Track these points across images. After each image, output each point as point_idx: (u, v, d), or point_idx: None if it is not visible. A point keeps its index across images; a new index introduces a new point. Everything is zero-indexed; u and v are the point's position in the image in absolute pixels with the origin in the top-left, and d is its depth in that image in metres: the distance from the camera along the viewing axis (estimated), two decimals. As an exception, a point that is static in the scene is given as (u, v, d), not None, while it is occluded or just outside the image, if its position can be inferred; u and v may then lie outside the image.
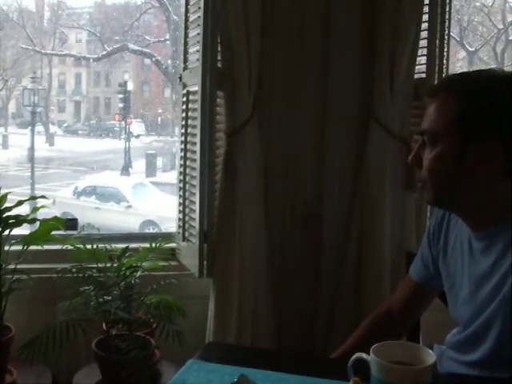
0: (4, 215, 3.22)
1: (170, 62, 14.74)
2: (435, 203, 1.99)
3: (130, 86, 16.17)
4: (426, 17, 3.31)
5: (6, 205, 3.26)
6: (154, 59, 15.46)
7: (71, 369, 3.38)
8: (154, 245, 3.34)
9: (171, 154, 15.60)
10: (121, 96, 15.91)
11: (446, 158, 1.78)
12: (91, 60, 18.19)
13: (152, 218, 10.98)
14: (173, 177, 14.42)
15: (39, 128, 16.82)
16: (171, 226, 10.33)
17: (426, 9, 3.31)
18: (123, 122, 15.88)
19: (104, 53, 15.93)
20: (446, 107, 1.77)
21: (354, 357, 1.65)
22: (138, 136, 17.83)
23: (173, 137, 16.29)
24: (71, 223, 3.59)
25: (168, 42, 15.23)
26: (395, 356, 1.59)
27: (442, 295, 2.18)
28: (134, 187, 11.97)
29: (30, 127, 15.08)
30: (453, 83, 1.88)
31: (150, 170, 14.97)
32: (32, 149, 14.33)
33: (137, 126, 17.85)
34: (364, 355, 1.61)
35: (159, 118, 18.82)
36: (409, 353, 1.63)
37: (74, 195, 11.79)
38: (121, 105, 15.91)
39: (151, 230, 10.76)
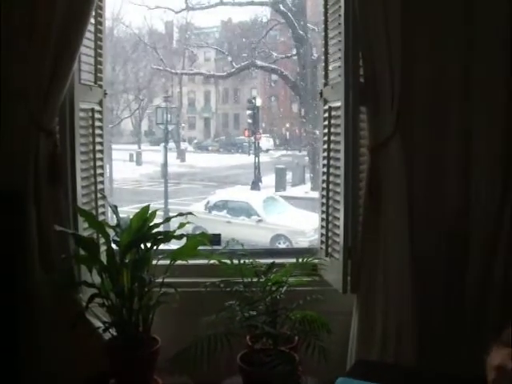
0: (153, 231, 3.33)
1: (297, 77, 14.80)
2: None
3: (259, 102, 16.35)
4: None
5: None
6: (281, 74, 15.56)
7: (212, 381, 3.42)
8: (300, 260, 3.35)
9: (300, 168, 15.67)
10: (249, 112, 16.15)
11: None
12: (220, 78, 18.60)
13: (282, 232, 11.04)
14: (302, 191, 14.57)
15: (170, 145, 17.28)
16: (302, 240, 10.43)
17: None
18: (252, 138, 16.07)
19: (232, 70, 16.20)
20: None
21: None
22: (267, 151, 18.04)
23: (301, 151, 16.39)
24: (215, 238, 3.67)
25: (295, 58, 15.29)
26: None
27: None
28: (265, 201, 12.07)
29: (162, 144, 15.53)
30: None
31: (280, 184, 15.06)
32: (165, 165, 14.73)
33: (265, 141, 18.05)
34: None
35: (287, 133, 18.96)
36: None
37: (205, 209, 12.00)
38: (249, 120, 16.14)
39: (282, 243, 10.82)
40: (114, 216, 3.52)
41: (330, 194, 3.50)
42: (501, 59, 3.26)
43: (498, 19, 3.26)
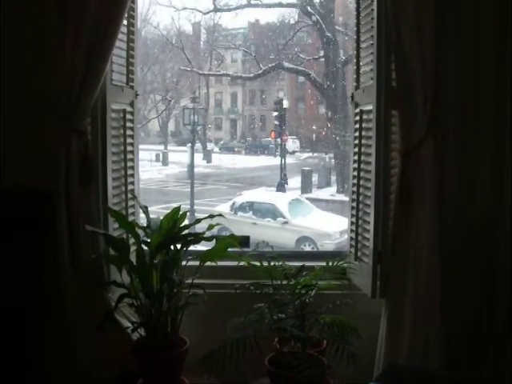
0: (183, 233, 3.34)
1: (324, 79, 14.78)
2: None
3: (285, 104, 16.36)
4: None
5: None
6: (308, 76, 15.55)
7: (239, 382, 3.44)
8: (330, 264, 3.34)
9: (326, 171, 15.65)
10: (276, 114, 16.17)
11: None
12: (247, 79, 18.63)
13: (308, 235, 11.03)
14: (328, 193, 14.55)
15: (197, 145, 17.35)
16: (327, 242, 10.41)
17: None
18: (278, 139, 16.08)
19: (259, 72, 16.21)
20: None
21: None
22: (293, 152, 18.04)
23: (327, 153, 16.36)
24: (244, 240, 3.67)
25: (322, 60, 15.26)
26: None
27: None
28: (291, 203, 12.06)
29: (189, 145, 15.59)
30: None
31: (306, 186, 15.07)
32: (192, 165, 14.79)
33: (292, 143, 18.05)
34: None
35: (314, 135, 18.93)
36: None
37: (231, 210, 12.02)
38: (276, 122, 16.15)
39: (307, 246, 10.82)
40: (144, 216, 3.54)
41: (361, 197, 3.49)
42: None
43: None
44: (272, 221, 11.62)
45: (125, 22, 3.45)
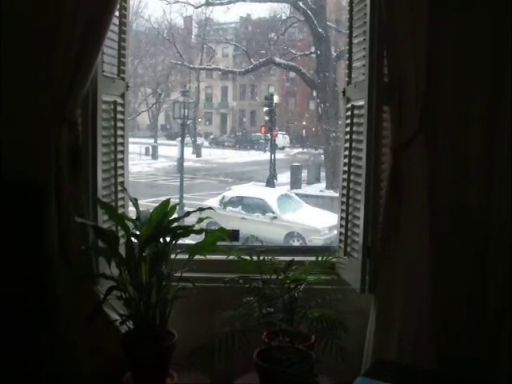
0: (172, 225, 3.33)
1: (315, 74, 14.80)
2: None
3: (276, 99, 16.38)
4: None
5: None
6: (299, 72, 15.56)
7: (227, 376, 3.43)
8: (320, 258, 3.34)
9: (316, 166, 15.68)
10: (266, 109, 16.19)
11: None
12: (237, 74, 18.63)
13: (297, 230, 11.05)
14: (317, 189, 14.58)
15: (187, 139, 17.35)
16: (316, 238, 10.44)
17: None
18: (268, 135, 16.11)
19: (250, 66, 16.23)
20: None
21: None
22: (282, 148, 18.07)
23: (317, 149, 16.40)
24: (234, 234, 3.67)
25: (313, 55, 15.29)
26: None
27: None
28: (280, 198, 12.08)
29: (178, 139, 15.59)
30: None
31: (295, 181, 15.10)
32: (181, 159, 14.79)
33: (282, 138, 18.08)
34: None
35: (304, 131, 18.97)
36: None
37: (220, 205, 12.03)
38: (266, 117, 16.18)
39: (296, 241, 10.84)
40: (134, 209, 3.53)
41: (351, 193, 3.49)
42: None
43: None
44: (261, 216, 11.64)
45: (117, 14, 3.43)
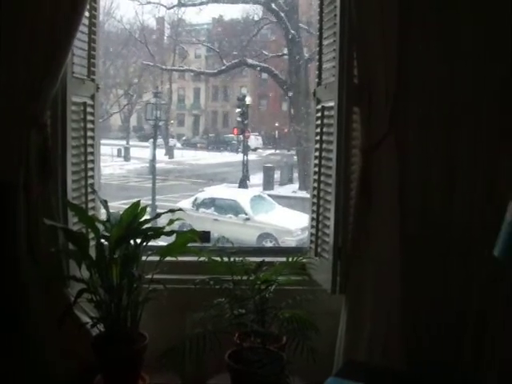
0: (143, 227, 3.32)
1: (288, 76, 14.83)
2: None
3: (248, 100, 16.38)
4: None
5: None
6: (271, 73, 15.58)
7: (200, 378, 3.42)
8: (290, 259, 3.35)
9: (288, 168, 15.71)
10: (239, 110, 16.18)
11: None
12: (210, 75, 18.61)
13: (269, 231, 11.06)
14: (290, 190, 14.61)
15: (159, 141, 17.29)
16: (288, 239, 10.46)
17: None
18: (241, 136, 16.11)
19: (222, 68, 16.21)
20: None
21: None
22: (255, 149, 18.07)
23: (290, 150, 16.43)
24: (205, 236, 3.67)
25: (286, 57, 15.32)
26: None
27: None
28: (252, 200, 12.08)
29: (151, 140, 15.54)
30: None
31: (268, 183, 15.12)
32: (153, 161, 14.74)
33: (254, 140, 18.08)
34: None
35: (276, 132, 19.00)
36: None
37: (193, 207, 12.01)
38: (239, 119, 16.15)
39: (269, 242, 10.85)
40: (104, 211, 3.51)
41: (321, 193, 3.50)
42: (494, 60, 3.30)
43: (491, 20, 3.29)
44: (234, 217, 11.64)
45: (87, 14, 3.41)
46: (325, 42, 3.53)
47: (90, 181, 3.62)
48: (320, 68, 3.61)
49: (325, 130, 3.47)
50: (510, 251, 1.93)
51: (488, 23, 3.29)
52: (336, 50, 3.28)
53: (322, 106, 3.51)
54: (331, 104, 3.35)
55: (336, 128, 3.26)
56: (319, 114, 3.54)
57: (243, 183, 14.83)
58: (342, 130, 3.24)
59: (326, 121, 3.46)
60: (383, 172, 3.22)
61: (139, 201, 3.43)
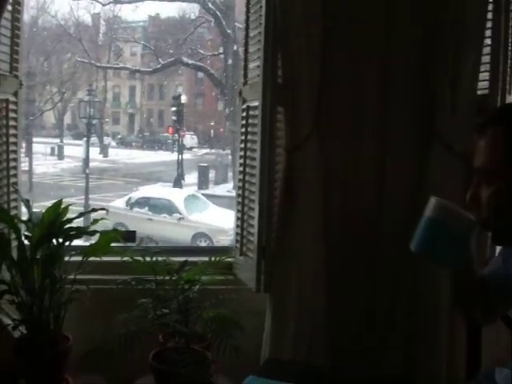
0: (65, 227, 3.27)
1: (223, 75, 14.84)
2: (498, 242, 1.94)
3: (184, 99, 16.34)
4: (488, 32, 3.24)
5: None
6: (207, 72, 15.57)
7: (125, 380, 3.38)
8: (213, 259, 3.35)
9: (223, 167, 15.73)
10: (174, 109, 16.12)
11: (504, 194, 1.71)
12: (145, 73, 18.48)
13: (204, 231, 11.06)
14: (225, 189, 14.62)
15: (93, 139, 17.09)
16: (223, 238, 10.46)
17: (489, 24, 3.24)
18: (176, 135, 16.06)
19: (158, 66, 16.15)
20: (498, 142, 1.71)
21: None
22: (190, 148, 18.03)
23: (225, 149, 16.45)
24: (130, 235, 3.63)
25: (222, 56, 15.33)
26: None
27: (506, 318, 2.14)
28: (187, 199, 12.06)
29: (84, 139, 15.35)
30: (503, 115, 1.82)
31: (203, 182, 15.12)
32: (87, 160, 14.57)
33: (190, 139, 18.05)
34: None
35: (212, 131, 18.99)
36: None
37: (127, 206, 11.93)
38: (174, 117, 16.11)
39: (203, 242, 10.84)
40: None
41: (246, 193, 3.51)
42: (418, 60, 3.34)
43: (415, 20, 3.33)
44: (168, 217, 11.61)
45: (9, 8, 3.34)
46: (251, 42, 3.53)
47: (12, 179, 3.53)
48: (246, 67, 3.62)
49: (249, 129, 3.48)
50: (425, 246, 1.97)
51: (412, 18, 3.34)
52: (261, 50, 3.28)
53: (248, 106, 3.51)
54: (256, 103, 3.35)
55: (260, 128, 3.27)
56: (244, 114, 3.54)
57: (178, 182, 14.79)
58: (266, 129, 3.25)
59: (250, 120, 3.47)
60: (307, 171, 3.24)
61: (61, 200, 3.37)
